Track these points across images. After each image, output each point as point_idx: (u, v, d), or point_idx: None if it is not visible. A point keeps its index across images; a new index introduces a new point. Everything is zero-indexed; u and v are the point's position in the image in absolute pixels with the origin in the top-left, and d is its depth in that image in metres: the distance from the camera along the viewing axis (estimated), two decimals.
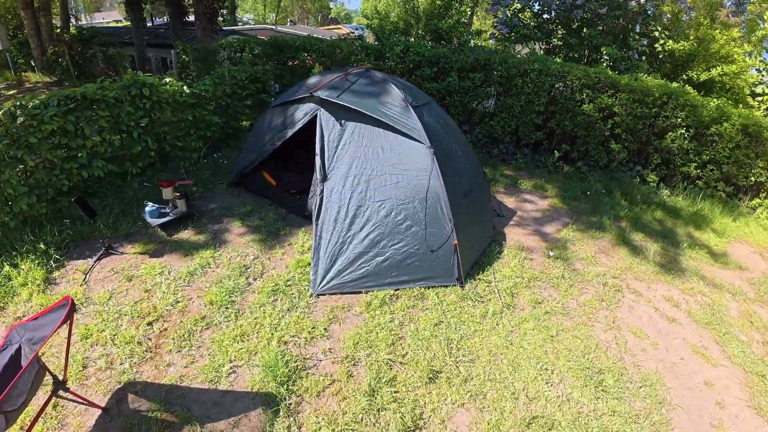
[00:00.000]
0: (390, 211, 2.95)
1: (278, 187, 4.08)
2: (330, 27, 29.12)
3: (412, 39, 7.94)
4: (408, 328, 2.70)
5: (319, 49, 6.25)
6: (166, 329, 2.57)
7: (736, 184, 6.02)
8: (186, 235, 3.51)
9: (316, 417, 2.10)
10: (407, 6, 8.86)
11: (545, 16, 7.83)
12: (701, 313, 3.44)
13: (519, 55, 6.12)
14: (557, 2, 7.47)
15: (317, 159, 3.09)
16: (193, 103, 4.62)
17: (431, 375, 2.37)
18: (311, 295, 2.87)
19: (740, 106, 6.71)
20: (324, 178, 3.06)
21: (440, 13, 7.44)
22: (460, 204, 3.19)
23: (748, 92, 7.47)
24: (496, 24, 8.06)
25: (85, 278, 2.97)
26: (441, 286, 3.04)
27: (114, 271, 3.05)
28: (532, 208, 4.70)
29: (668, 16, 7.73)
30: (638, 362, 2.79)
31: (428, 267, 3.01)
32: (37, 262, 2.98)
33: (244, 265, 3.13)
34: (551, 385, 2.46)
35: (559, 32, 7.75)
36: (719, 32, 7.51)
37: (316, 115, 3.26)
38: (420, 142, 3.00)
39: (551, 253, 3.76)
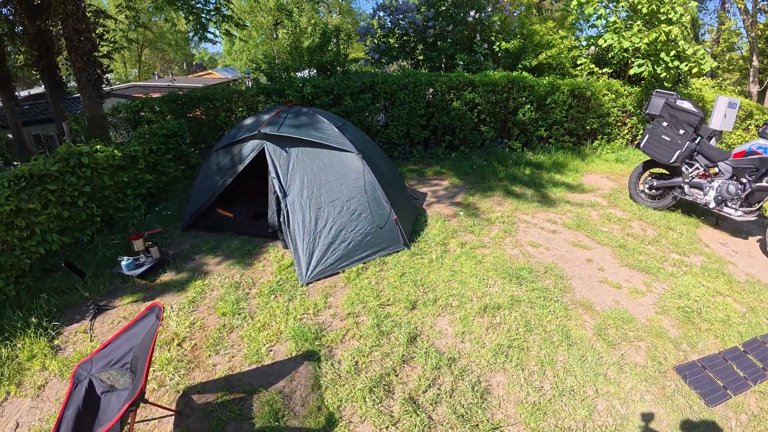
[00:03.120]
0: (343, 207, 3.83)
1: (235, 218, 4.67)
2: (200, 74, 28.71)
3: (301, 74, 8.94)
4: (382, 284, 3.59)
5: (221, 98, 6.86)
6: (195, 344, 3.09)
7: (577, 135, 8.10)
8: (168, 277, 3.94)
9: (347, 352, 2.87)
10: (291, 45, 9.87)
11: (405, 37, 9.42)
12: (572, 222, 4.92)
13: (394, 73, 7.47)
14: (413, 26, 9.09)
15: (275, 182, 3.85)
16: (124, 165, 4.95)
17: (411, 305, 3.30)
18: (302, 285, 3.60)
19: (566, 77, 8.90)
20: (285, 195, 3.83)
21: (321, 49, 8.54)
22: (389, 191, 4.19)
23: (571, 65, 9.75)
24: (368, 51, 9.44)
25: (91, 337, 3.27)
26: (394, 252, 4.00)
27: (117, 322, 3.40)
28: (437, 188, 5.94)
29: (498, 23, 9.83)
30: (539, 260, 4.05)
31: (382, 240, 3.94)
32: (34, 335, 3.16)
33: (236, 282, 3.72)
34: (490, 287, 3.56)
35: (419, 48, 9.39)
36: (539, 26, 9.72)
37: (263, 149, 4.02)
38: (350, 151, 3.95)
39: (461, 213, 4.99)
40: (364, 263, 3.84)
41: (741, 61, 13.78)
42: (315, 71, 8.48)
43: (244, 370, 2.82)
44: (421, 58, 9.33)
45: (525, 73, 8.26)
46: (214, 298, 3.55)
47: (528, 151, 7.63)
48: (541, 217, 5.06)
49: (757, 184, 4.62)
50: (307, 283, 3.62)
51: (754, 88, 11.33)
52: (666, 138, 5.14)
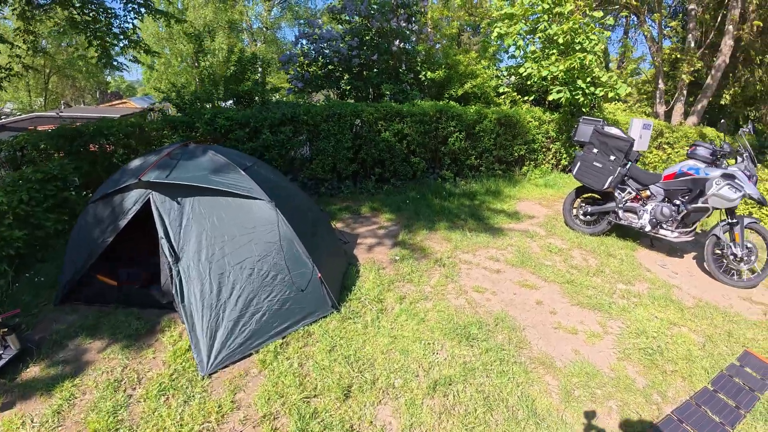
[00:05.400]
0: (252, 269, 3.10)
1: (120, 286, 3.71)
2: (114, 103, 26.27)
3: (216, 105, 8.11)
4: (307, 365, 2.88)
5: (119, 132, 5.83)
6: None
7: (506, 161, 8.07)
8: (32, 373, 2.91)
9: None
10: (203, 73, 8.97)
11: (330, 66, 9.00)
12: (515, 258, 4.57)
13: (318, 104, 6.93)
14: (337, 55, 8.71)
15: (164, 243, 3.03)
16: None
17: (344, 393, 2.62)
18: (203, 378, 2.77)
19: (491, 106, 9.00)
20: (177, 259, 3.02)
21: (237, 78, 7.81)
22: (312, 242, 3.54)
23: (494, 94, 9.94)
24: (290, 80, 8.87)
25: None
26: (322, 318, 3.31)
27: None
28: (370, 227, 5.37)
29: (423, 53, 9.82)
30: (488, 309, 3.59)
31: (305, 306, 3.24)
32: None
33: (116, 380, 2.80)
34: (437, 353, 2.99)
35: (345, 78, 9.00)
36: (462, 56, 9.88)
37: (148, 200, 3.19)
38: (260, 199, 3.25)
39: (397, 258, 4.44)
40: (283, 338, 3.10)
41: (646, 86, 15.24)
42: (231, 102, 7.71)
43: None
44: (347, 87, 8.94)
45: (452, 102, 8.20)
46: (86, 405, 2.61)
47: (461, 181, 7.42)
48: (482, 254, 4.67)
49: (693, 206, 4.62)
50: (210, 374, 2.81)
51: (661, 109, 12.41)
52: (598, 164, 5.06)
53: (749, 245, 4.44)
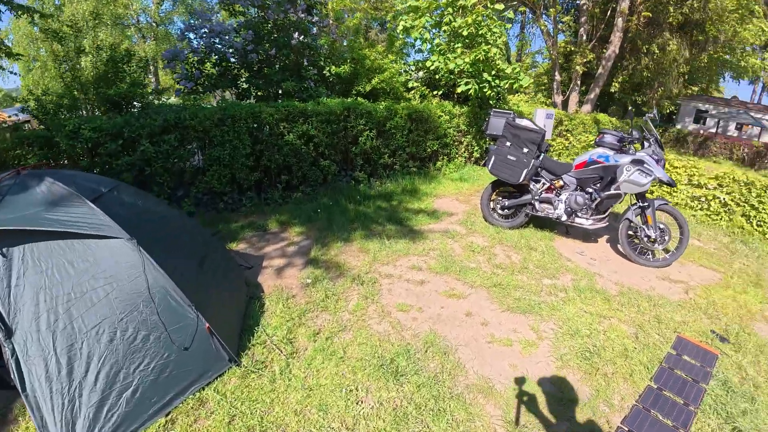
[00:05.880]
0: (114, 332, 2.34)
1: None
2: None
3: (84, 113, 6.76)
4: None
5: None
6: None
7: (420, 158, 7.84)
8: None
9: None
10: (65, 76, 7.42)
11: (224, 63, 8.02)
12: (438, 265, 4.25)
13: (207, 106, 6.03)
14: (232, 51, 7.77)
15: None
16: None
17: None
18: None
19: (401, 101, 8.73)
20: (9, 333, 2.16)
21: (109, 79, 6.56)
22: (197, 280, 2.85)
23: (404, 89, 9.72)
24: (178, 80, 7.74)
25: None
26: (217, 377, 2.64)
27: None
28: (277, 245, 4.69)
29: (326, 47, 9.25)
30: (415, 331, 3.18)
31: (192, 368, 2.55)
32: None
33: None
34: (362, 402, 2.49)
35: (244, 76, 8.10)
36: (368, 50, 9.48)
37: None
38: (116, 237, 2.48)
39: (309, 281, 3.85)
40: (168, 415, 2.38)
41: (543, 78, 16.32)
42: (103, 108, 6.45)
43: None
44: (245, 87, 8.05)
45: (361, 99, 7.78)
46: None
47: (376, 182, 7.01)
48: (403, 264, 4.28)
49: (606, 193, 4.69)
50: None
51: (558, 99, 13.29)
52: (512, 158, 4.95)
53: (662, 226, 4.61)
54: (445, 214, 5.85)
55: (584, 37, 13.43)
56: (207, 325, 2.56)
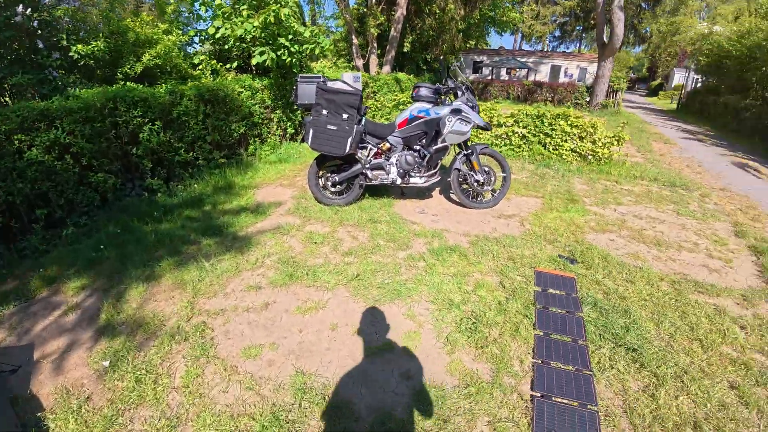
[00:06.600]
0: None
1: None
2: None
3: None
4: None
5: None
6: None
7: (228, 146, 6.60)
8: None
9: None
10: None
11: None
12: (280, 276, 3.42)
13: None
14: None
15: None
16: None
17: None
18: None
19: (189, 81, 7.14)
20: None
21: None
22: None
23: (188, 66, 8.02)
24: None
25: None
26: None
27: None
28: (48, 318, 3.05)
29: (67, 19, 6.87)
30: (276, 383, 2.36)
31: None
32: None
33: None
34: None
35: None
36: (130, 21, 7.42)
37: None
38: None
39: (105, 363, 2.51)
40: None
41: (341, 43, 16.32)
42: None
43: None
44: None
45: (131, 84, 6.02)
46: None
47: (177, 186, 5.46)
48: (236, 288, 3.27)
49: (434, 147, 4.57)
50: None
51: (360, 62, 13.32)
52: (332, 127, 4.33)
53: (486, 169, 4.81)
54: (272, 206, 4.95)
55: (374, 0, 13.78)
56: None
